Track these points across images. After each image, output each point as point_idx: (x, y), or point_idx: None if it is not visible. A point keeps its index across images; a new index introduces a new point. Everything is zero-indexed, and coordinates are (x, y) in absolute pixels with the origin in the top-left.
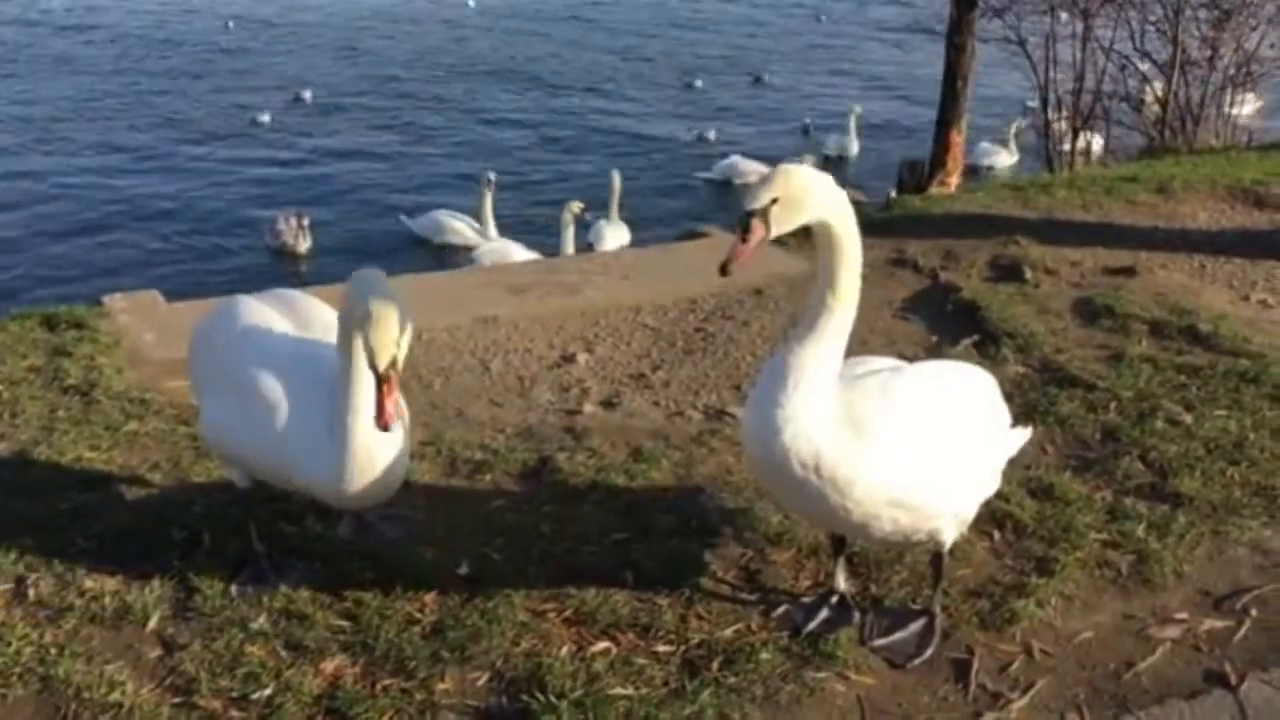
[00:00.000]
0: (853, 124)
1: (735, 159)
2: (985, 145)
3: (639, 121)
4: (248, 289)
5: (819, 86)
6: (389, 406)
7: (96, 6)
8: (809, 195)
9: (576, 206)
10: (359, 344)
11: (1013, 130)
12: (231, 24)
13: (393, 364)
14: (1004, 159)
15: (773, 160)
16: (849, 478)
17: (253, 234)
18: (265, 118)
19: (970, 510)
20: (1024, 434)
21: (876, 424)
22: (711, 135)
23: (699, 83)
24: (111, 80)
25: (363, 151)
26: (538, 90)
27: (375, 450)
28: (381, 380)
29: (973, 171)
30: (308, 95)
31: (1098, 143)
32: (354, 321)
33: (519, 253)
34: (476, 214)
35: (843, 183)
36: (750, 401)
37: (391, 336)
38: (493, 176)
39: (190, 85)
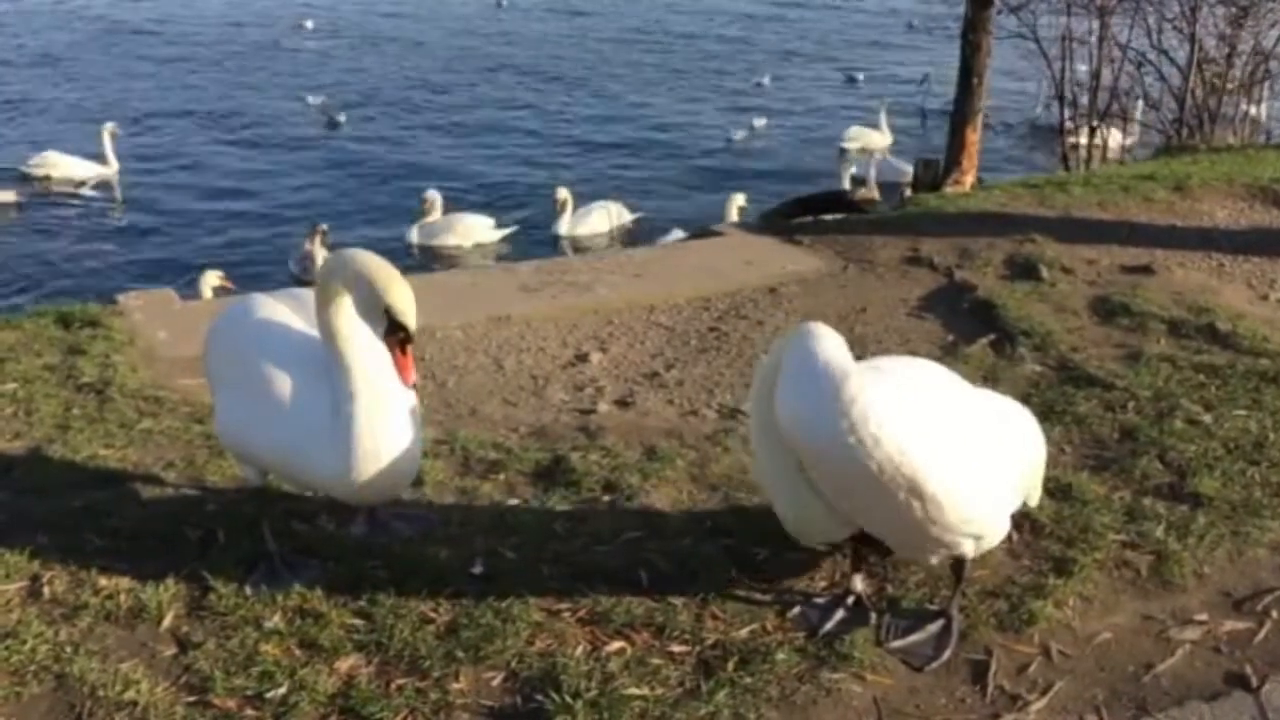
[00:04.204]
0: (882, 119)
1: (861, 128)
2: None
3: (697, 116)
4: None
5: (900, 85)
6: (409, 364)
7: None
8: None
9: (741, 198)
10: (344, 325)
11: (1139, 110)
12: (310, 23)
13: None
14: (1116, 138)
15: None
16: (924, 477)
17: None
18: (342, 117)
19: (1001, 533)
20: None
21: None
22: (758, 123)
23: (765, 80)
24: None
25: (403, 156)
26: (594, 89)
27: (380, 436)
28: (409, 340)
29: (1073, 149)
30: (343, 117)
31: (1114, 141)
32: (334, 295)
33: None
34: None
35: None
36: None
37: (411, 293)
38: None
39: (243, 85)
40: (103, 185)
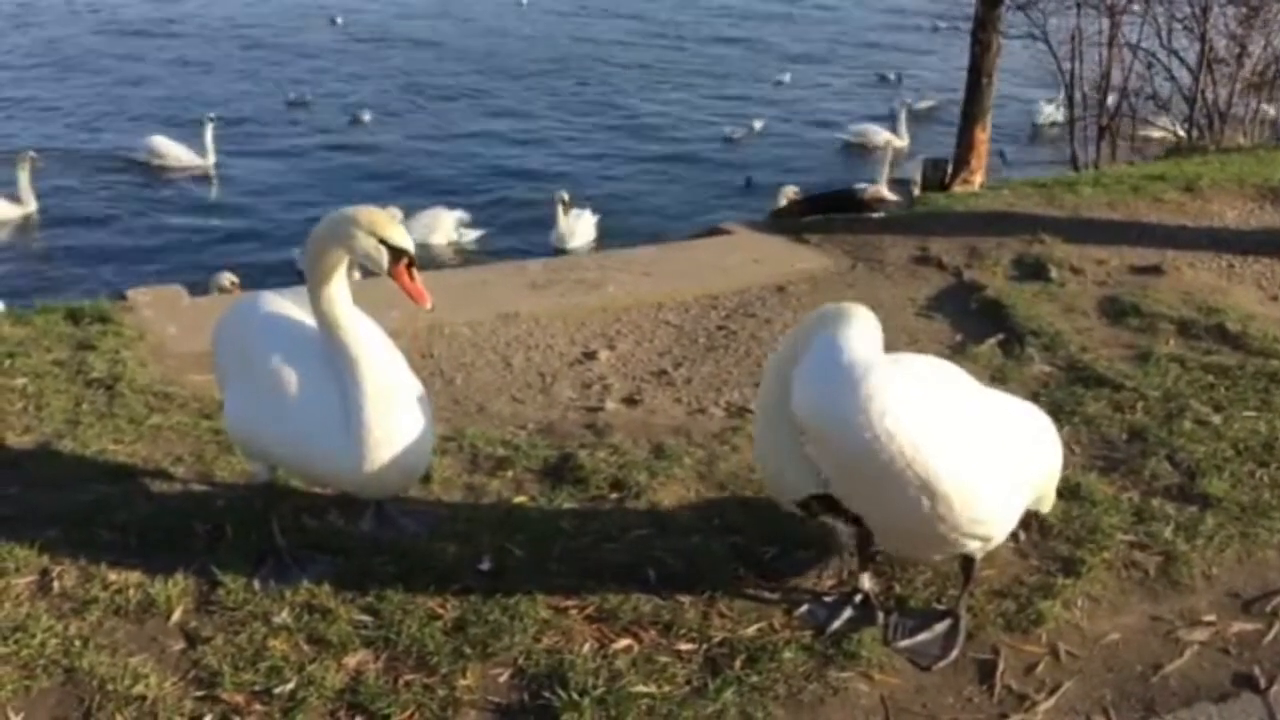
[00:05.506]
0: (901, 120)
1: (866, 125)
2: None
3: (712, 114)
4: None
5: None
6: (420, 286)
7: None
8: None
9: (792, 189)
10: (341, 313)
11: (1149, 110)
12: (340, 19)
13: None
14: (1125, 138)
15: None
16: (936, 469)
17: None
18: (366, 116)
19: (1006, 534)
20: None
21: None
22: (758, 124)
23: (787, 77)
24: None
25: (422, 156)
26: (612, 90)
27: (389, 426)
28: (412, 263)
29: (1082, 149)
30: (366, 116)
31: (1124, 140)
32: (329, 270)
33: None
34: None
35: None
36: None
37: (396, 221)
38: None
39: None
40: (201, 174)
